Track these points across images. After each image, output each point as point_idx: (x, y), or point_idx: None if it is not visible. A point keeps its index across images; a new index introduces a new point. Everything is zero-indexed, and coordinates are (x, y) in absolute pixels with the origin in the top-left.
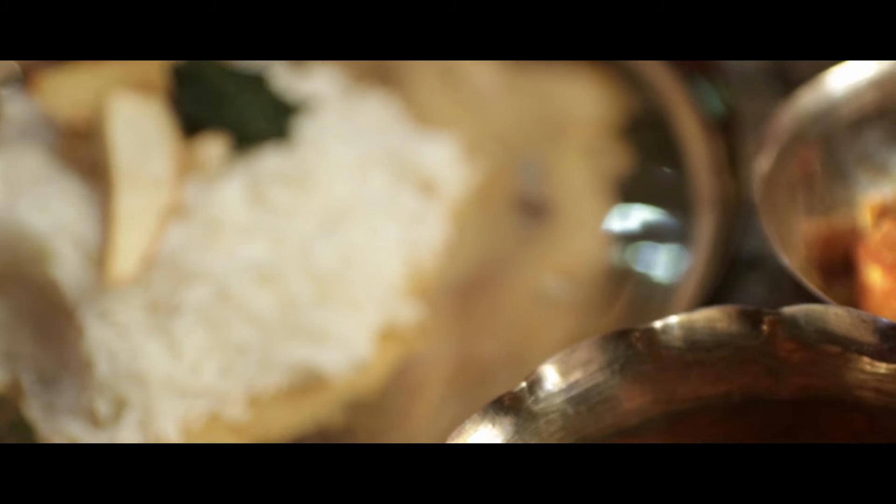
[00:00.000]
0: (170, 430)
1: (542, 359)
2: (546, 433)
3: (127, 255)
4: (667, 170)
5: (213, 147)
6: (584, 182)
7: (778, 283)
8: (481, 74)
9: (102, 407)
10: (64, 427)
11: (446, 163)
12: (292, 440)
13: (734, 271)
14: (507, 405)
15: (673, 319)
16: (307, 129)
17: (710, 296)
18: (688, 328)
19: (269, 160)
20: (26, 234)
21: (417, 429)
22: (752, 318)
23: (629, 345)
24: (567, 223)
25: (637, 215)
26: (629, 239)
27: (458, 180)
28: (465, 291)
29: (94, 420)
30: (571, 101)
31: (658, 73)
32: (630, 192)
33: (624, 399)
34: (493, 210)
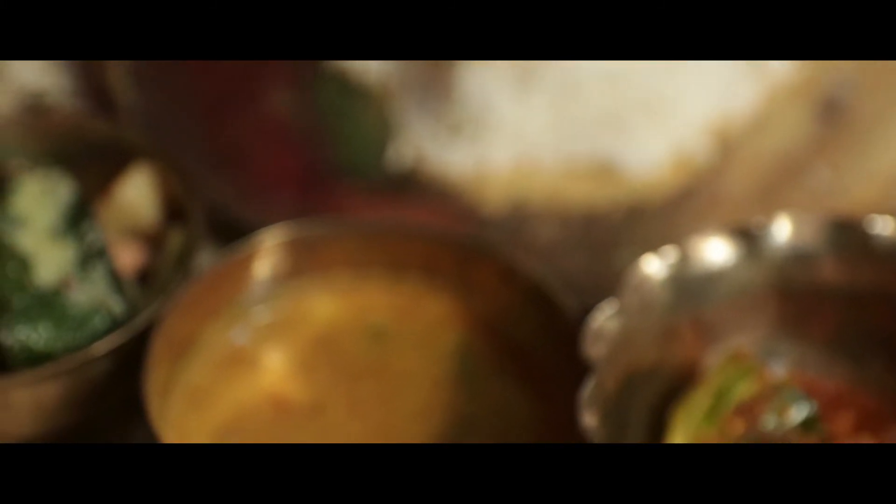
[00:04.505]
0: (498, 164)
1: None
2: (760, 269)
3: None
4: None
5: None
6: (888, 104)
7: None
8: None
9: (452, 122)
10: (416, 128)
11: None
12: (575, 213)
13: None
14: (746, 234)
15: (891, 222)
16: None
17: None
18: None
19: None
20: None
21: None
22: None
23: (852, 229)
24: (861, 133)
25: None
26: None
27: (784, 68)
28: (752, 156)
29: (440, 127)
30: None
31: None
32: None
33: (828, 267)
34: (803, 102)
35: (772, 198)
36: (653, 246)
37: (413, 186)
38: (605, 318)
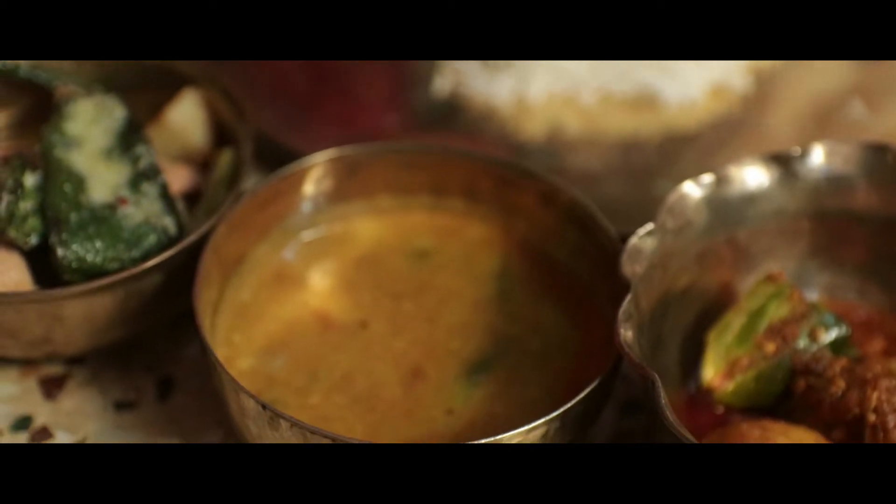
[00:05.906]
0: (536, 93)
1: None
2: (795, 193)
3: None
4: None
5: None
6: None
7: None
8: None
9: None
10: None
11: None
12: (612, 142)
13: None
14: (781, 159)
15: None
16: None
17: None
18: None
19: None
20: None
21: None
22: None
23: (886, 155)
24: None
25: None
26: None
27: None
28: (788, 93)
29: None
30: None
31: None
32: None
33: (861, 193)
34: None
35: (807, 133)
36: (689, 178)
37: (453, 115)
38: (642, 237)
